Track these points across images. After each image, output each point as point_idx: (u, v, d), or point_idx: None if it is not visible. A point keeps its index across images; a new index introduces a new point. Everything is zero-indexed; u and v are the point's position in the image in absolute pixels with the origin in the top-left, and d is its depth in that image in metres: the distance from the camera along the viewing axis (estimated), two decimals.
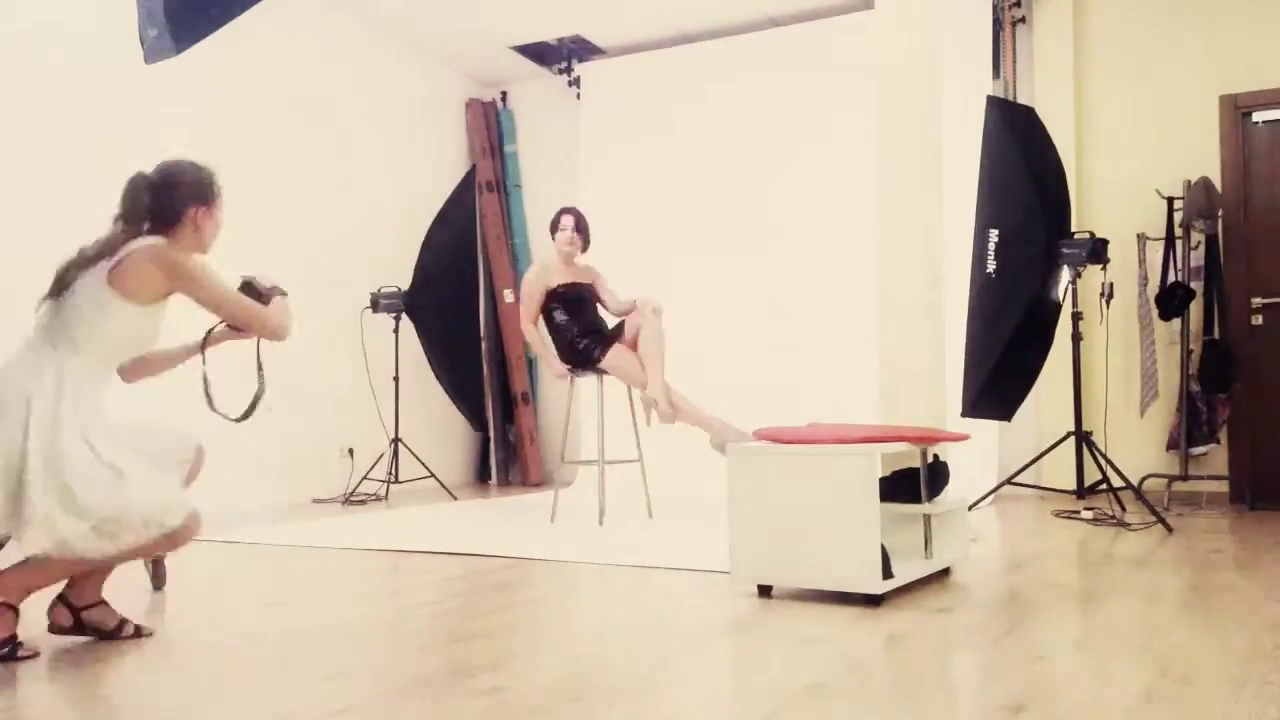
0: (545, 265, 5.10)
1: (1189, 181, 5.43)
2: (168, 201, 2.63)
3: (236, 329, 2.81)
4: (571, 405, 5.12)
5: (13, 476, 2.33)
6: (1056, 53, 5.95)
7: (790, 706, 1.86)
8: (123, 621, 2.54)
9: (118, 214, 2.61)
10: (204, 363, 2.81)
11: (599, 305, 5.16)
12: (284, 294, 2.84)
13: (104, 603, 2.55)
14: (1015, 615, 2.64)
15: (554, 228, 5.17)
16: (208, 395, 2.78)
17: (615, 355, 4.90)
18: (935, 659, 2.20)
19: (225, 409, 2.77)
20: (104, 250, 2.55)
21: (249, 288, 2.78)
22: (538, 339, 5.05)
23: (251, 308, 2.73)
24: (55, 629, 2.51)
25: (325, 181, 6.27)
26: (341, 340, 6.23)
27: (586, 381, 5.43)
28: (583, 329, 4.98)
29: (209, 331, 2.84)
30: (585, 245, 5.17)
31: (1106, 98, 5.90)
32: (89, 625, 2.51)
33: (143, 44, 3.41)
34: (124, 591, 3.13)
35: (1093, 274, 5.21)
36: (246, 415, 2.81)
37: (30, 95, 4.68)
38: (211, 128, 5.51)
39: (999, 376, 4.80)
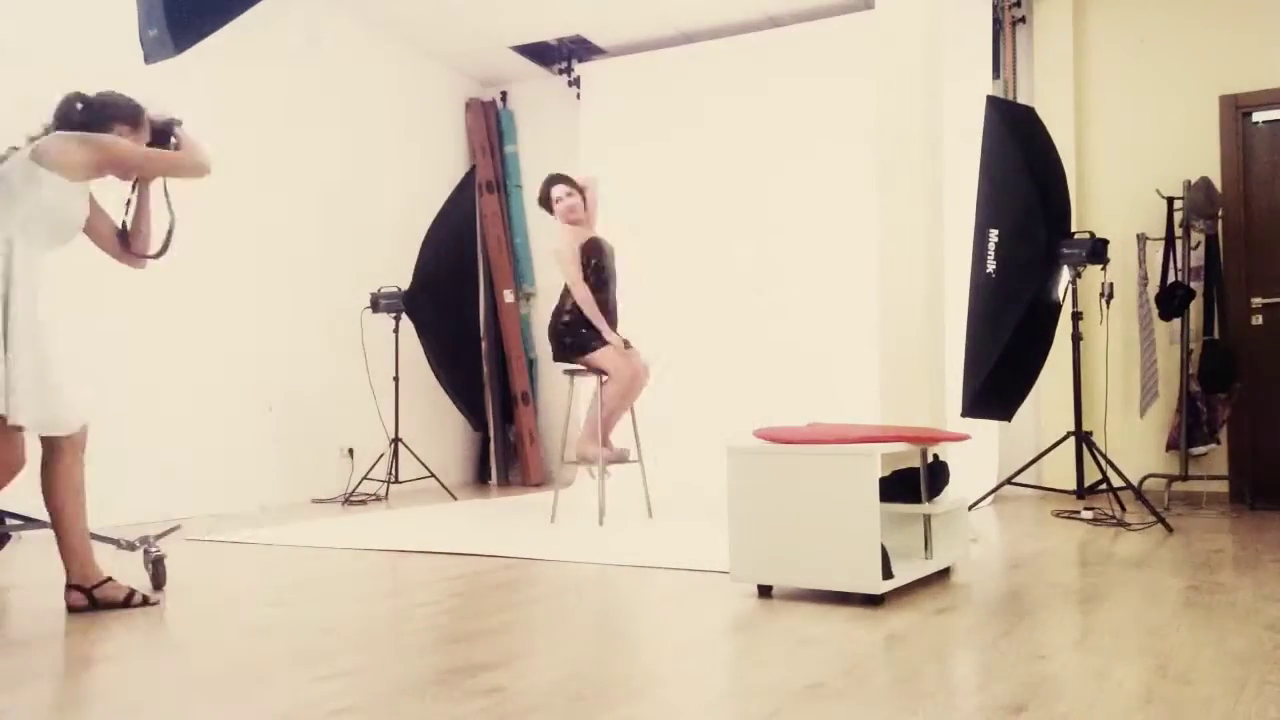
0: (565, 230, 4.95)
1: (1189, 181, 5.43)
2: (97, 115, 2.87)
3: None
4: (571, 405, 5.11)
5: None
6: (1056, 53, 5.96)
7: (790, 706, 1.86)
8: (131, 592, 2.85)
9: (47, 125, 2.87)
10: (141, 214, 3.07)
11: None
12: (179, 122, 3.07)
13: (110, 579, 2.85)
14: (1015, 615, 2.64)
15: (548, 201, 5.01)
16: (126, 238, 3.03)
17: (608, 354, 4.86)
18: (935, 659, 2.20)
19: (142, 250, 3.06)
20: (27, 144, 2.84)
21: (162, 134, 3.02)
22: (592, 303, 4.83)
23: (171, 159, 2.98)
24: (73, 610, 2.80)
25: (325, 181, 6.27)
26: (341, 340, 6.23)
27: (587, 381, 5.41)
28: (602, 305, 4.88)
29: (128, 199, 3.06)
30: (591, 216, 5.04)
31: (1106, 98, 5.90)
32: (102, 602, 2.81)
33: (143, 44, 3.41)
34: None
35: (1093, 274, 5.21)
36: (163, 250, 3.05)
37: (28, 95, 4.68)
38: (211, 128, 5.49)
39: (999, 376, 4.80)
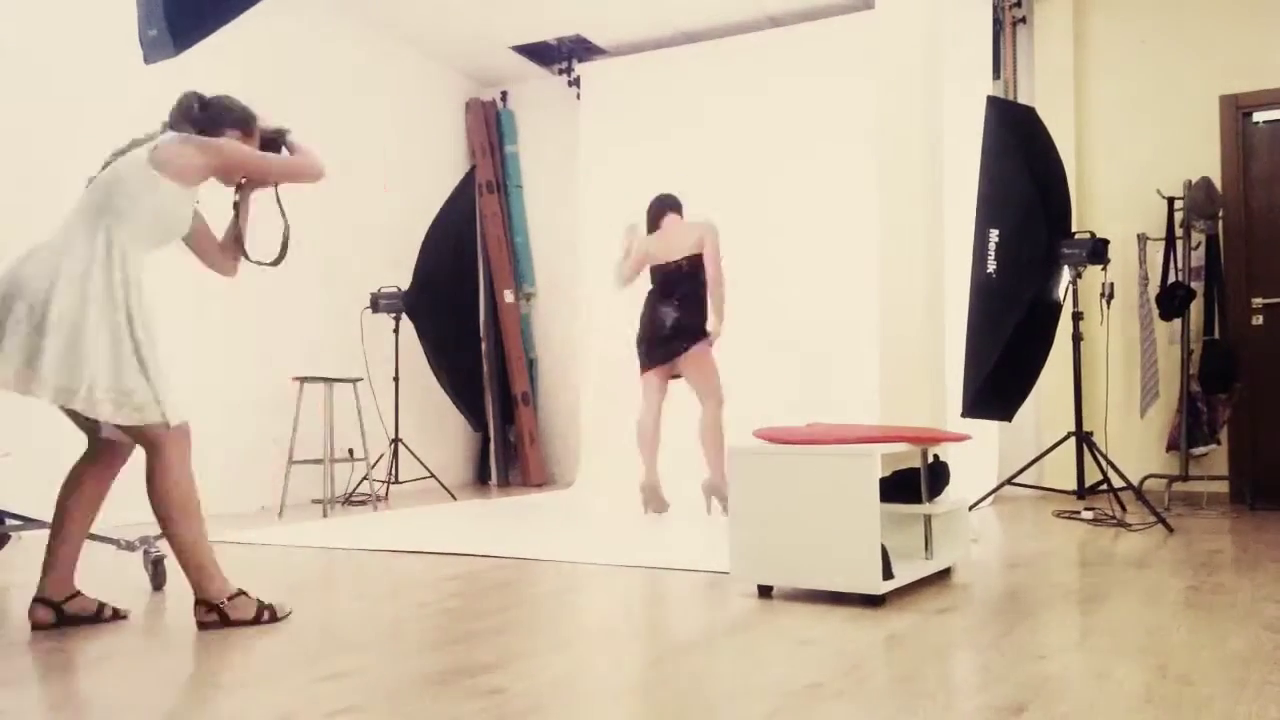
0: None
1: (1189, 181, 5.43)
2: (213, 116, 2.84)
3: (255, 185, 2.96)
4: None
5: (68, 336, 2.48)
6: (1056, 53, 5.96)
7: (790, 706, 1.86)
8: (101, 605, 2.70)
9: (164, 122, 2.81)
10: (241, 230, 2.98)
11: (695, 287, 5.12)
12: (289, 130, 3.00)
13: (80, 593, 2.69)
14: (1015, 615, 2.64)
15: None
16: (244, 251, 2.95)
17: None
18: (935, 659, 2.20)
19: (260, 257, 2.99)
20: (140, 141, 2.74)
21: (271, 144, 2.95)
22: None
23: (292, 165, 2.91)
24: (39, 627, 2.61)
25: (325, 181, 6.25)
26: (341, 340, 6.23)
27: (589, 380, 5.43)
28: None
29: (235, 202, 2.96)
30: (649, 222, 5.27)
31: (1106, 98, 5.90)
32: (70, 615, 2.64)
33: (142, 44, 3.41)
34: (124, 591, 3.13)
35: (1093, 274, 5.22)
36: (281, 257, 2.98)
37: (28, 94, 4.68)
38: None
39: (999, 377, 4.80)
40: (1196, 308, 5.41)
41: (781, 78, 6.50)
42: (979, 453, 5.50)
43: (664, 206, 5.25)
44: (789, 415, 5.97)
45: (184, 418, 2.62)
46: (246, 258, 2.94)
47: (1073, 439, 4.74)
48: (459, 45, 6.97)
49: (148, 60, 3.42)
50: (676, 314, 4.98)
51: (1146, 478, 5.38)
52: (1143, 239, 5.63)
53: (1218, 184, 5.45)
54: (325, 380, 5.48)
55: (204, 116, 2.82)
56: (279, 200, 2.98)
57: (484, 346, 7.16)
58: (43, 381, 2.43)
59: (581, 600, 2.95)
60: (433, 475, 6.24)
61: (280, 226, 2.96)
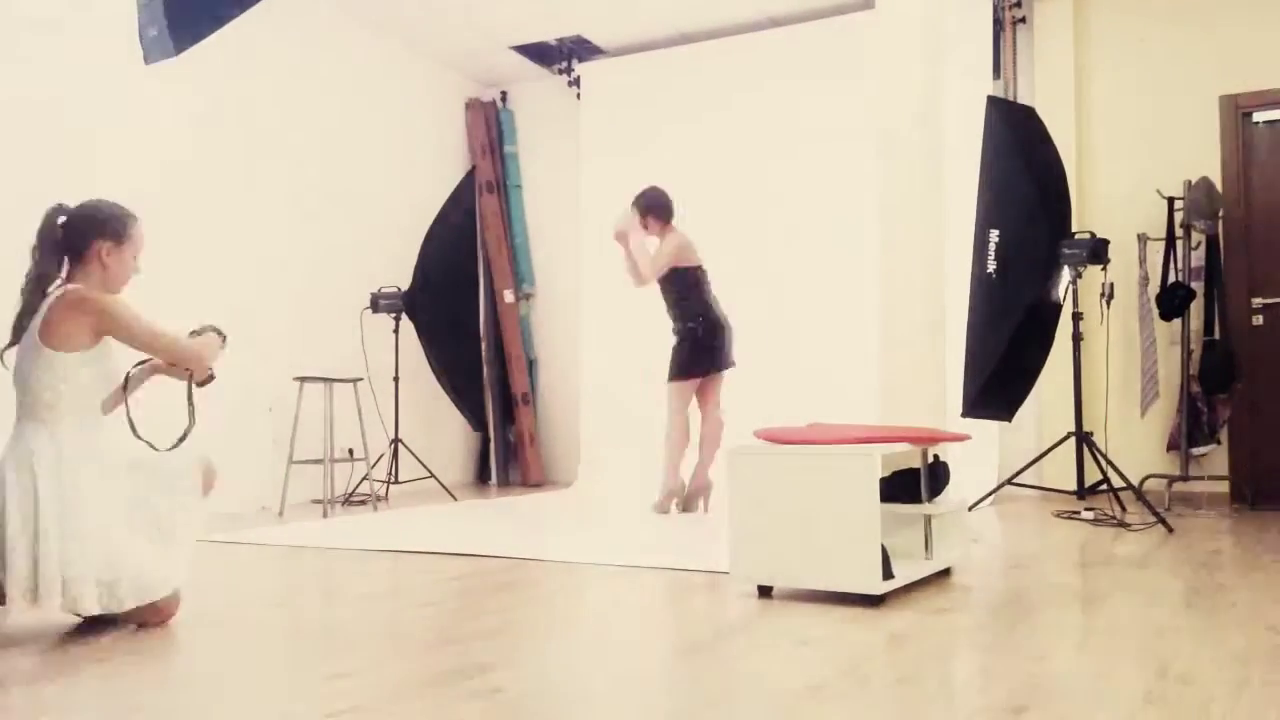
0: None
1: (1189, 182, 5.43)
2: (78, 234, 2.65)
3: (161, 368, 2.86)
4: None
5: (31, 544, 2.46)
6: (1056, 53, 5.95)
7: (790, 707, 1.86)
8: None
9: (34, 245, 2.65)
10: (125, 404, 2.84)
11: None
12: (218, 332, 2.91)
13: None
14: (1015, 615, 2.64)
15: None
16: (131, 426, 2.79)
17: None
18: (935, 659, 2.20)
19: (152, 438, 2.80)
20: (27, 311, 2.61)
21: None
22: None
23: (181, 349, 2.77)
24: None
25: (325, 182, 6.27)
26: (341, 341, 6.23)
27: (588, 380, 5.42)
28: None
29: (127, 375, 2.83)
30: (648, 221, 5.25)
31: (1106, 98, 5.90)
32: None
33: (142, 44, 3.41)
34: None
35: (1093, 274, 5.21)
36: (173, 449, 2.83)
37: (28, 95, 4.68)
38: (211, 128, 5.51)
39: (999, 377, 4.80)
40: (1196, 308, 5.41)
41: (782, 78, 6.49)
42: (979, 453, 5.50)
43: (670, 208, 5.25)
44: (789, 415, 5.96)
45: (119, 606, 2.52)
46: (136, 436, 2.77)
47: (1073, 439, 4.74)
48: (459, 45, 6.96)
49: (148, 60, 3.42)
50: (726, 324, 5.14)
51: (1146, 478, 5.37)
52: (1143, 239, 5.63)
53: (1218, 184, 5.45)
54: (325, 380, 5.48)
55: (69, 235, 2.64)
56: (190, 397, 2.83)
57: (484, 346, 7.16)
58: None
59: (581, 600, 2.95)
60: (433, 475, 6.23)
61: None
